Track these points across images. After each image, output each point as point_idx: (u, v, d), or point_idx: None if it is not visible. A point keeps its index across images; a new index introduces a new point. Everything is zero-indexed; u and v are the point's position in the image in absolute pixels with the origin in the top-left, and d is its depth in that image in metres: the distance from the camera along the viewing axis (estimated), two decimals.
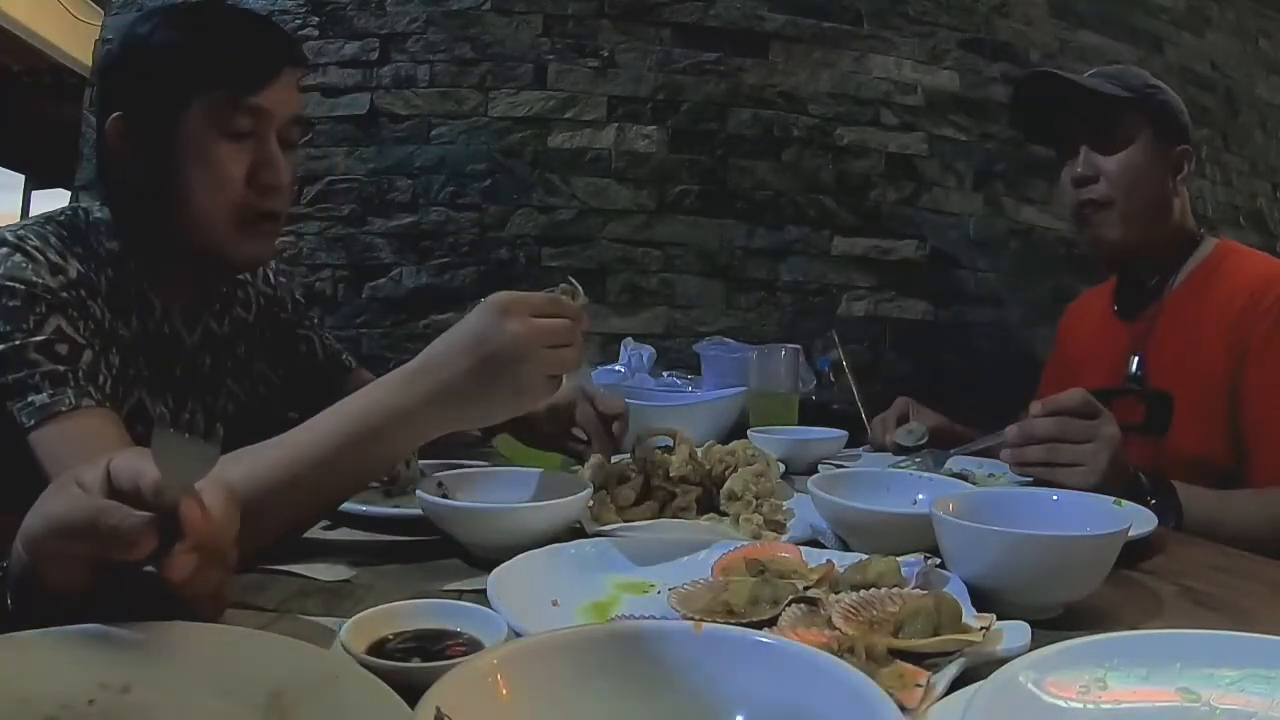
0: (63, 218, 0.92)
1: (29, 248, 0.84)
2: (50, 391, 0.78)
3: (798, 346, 1.44)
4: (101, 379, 0.83)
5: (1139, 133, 1.23)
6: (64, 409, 0.78)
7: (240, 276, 1.11)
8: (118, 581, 0.45)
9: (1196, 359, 1.17)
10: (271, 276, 1.18)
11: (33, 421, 0.77)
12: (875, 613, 0.51)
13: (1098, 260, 1.34)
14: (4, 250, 0.83)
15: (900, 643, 0.46)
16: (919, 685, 0.42)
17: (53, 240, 0.87)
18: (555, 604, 0.57)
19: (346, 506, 0.81)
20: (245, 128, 0.90)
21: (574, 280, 0.77)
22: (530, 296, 0.71)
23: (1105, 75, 1.26)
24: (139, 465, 0.46)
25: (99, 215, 0.95)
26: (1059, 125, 1.29)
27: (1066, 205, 1.29)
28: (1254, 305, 1.14)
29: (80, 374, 0.80)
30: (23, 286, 0.81)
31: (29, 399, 0.78)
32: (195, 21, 0.93)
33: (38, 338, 0.80)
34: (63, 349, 0.81)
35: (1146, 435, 1.13)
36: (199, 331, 1.02)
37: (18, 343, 0.79)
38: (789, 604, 0.52)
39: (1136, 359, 1.24)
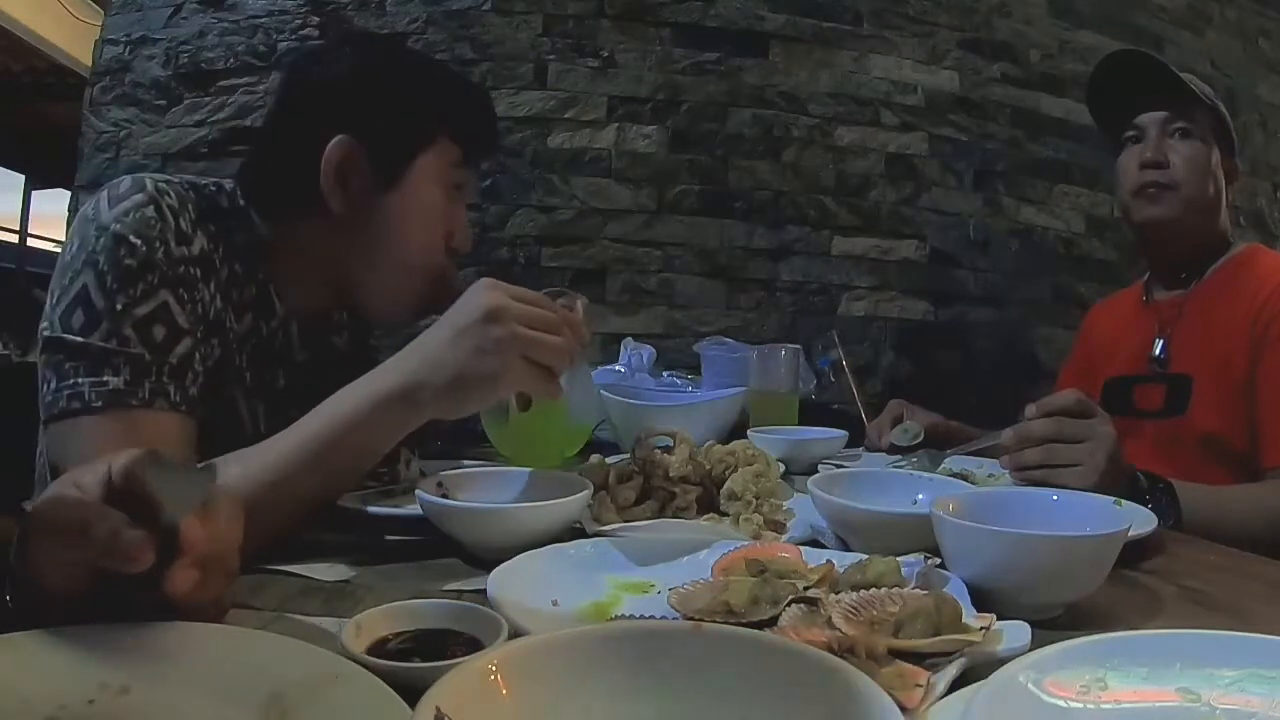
0: (208, 190, 0.88)
1: (164, 205, 0.80)
2: (128, 377, 0.74)
3: (798, 346, 1.44)
4: (190, 376, 0.79)
5: (1207, 133, 1.29)
6: (134, 402, 0.74)
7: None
8: (116, 585, 0.45)
9: (1219, 345, 1.22)
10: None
11: (99, 402, 0.73)
12: (875, 613, 0.50)
13: (1143, 242, 1.38)
14: (140, 198, 0.80)
15: (900, 643, 0.46)
16: (919, 685, 0.42)
17: (190, 207, 0.83)
18: (555, 604, 0.57)
19: (346, 506, 0.81)
20: (457, 188, 0.92)
21: (574, 293, 0.77)
22: (519, 288, 0.72)
23: (1182, 75, 1.30)
24: (136, 470, 0.45)
25: (241, 203, 0.91)
26: (1132, 108, 1.32)
27: (1127, 186, 1.33)
28: (1275, 297, 1.19)
29: (166, 370, 0.77)
30: (144, 247, 0.77)
31: (104, 377, 0.74)
32: (446, 77, 0.96)
33: (139, 310, 0.76)
34: (160, 332, 0.77)
35: (1164, 418, 1.21)
36: (310, 351, 0.98)
37: (118, 308, 0.75)
38: (789, 604, 0.52)
39: (1161, 343, 1.30)
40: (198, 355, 0.80)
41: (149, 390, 0.75)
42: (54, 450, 0.77)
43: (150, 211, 0.79)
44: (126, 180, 0.82)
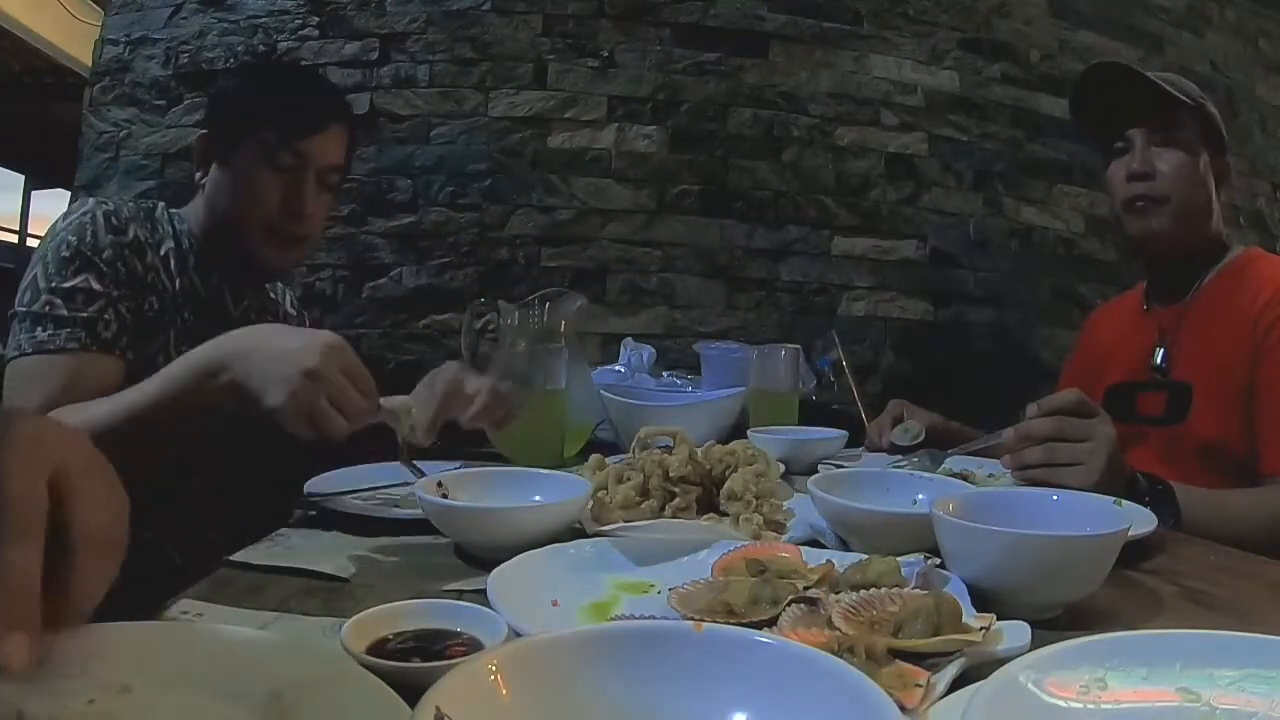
0: (146, 203, 1.18)
1: (100, 211, 1.07)
2: (52, 330, 1.00)
3: (798, 346, 1.44)
4: (102, 325, 1.02)
5: (1194, 138, 1.27)
6: (51, 348, 0.99)
7: (272, 296, 1.33)
8: None
9: (1219, 352, 1.22)
10: (294, 311, 1.38)
11: (31, 349, 0.99)
12: (875, 613, 0.50)
13: (1139, 254, 1.38)
14: (84, 209, 1.07)
15: (900, 643, 0.46)
16: (919, 685, 0.42)
17: (126, 209, 1.11)
18: (555, 604, 0.57)
19: (346, 506, 0.81)
20: (287, 164, 1.13)
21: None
22: (357, 363, 0.80)
23: (1163, 79, 1.29)
24: None
25: (174, 211, 1.19)
26: (1117, 118, 1.31)
27: (1116, 197, 1.32)
28: (1275, 302, 1.18)
29: (79, 323, 1.01)
30: (76, 242, 1.04)
31: (35, 332, 1.00)
32: (270, 75, 1.25)
33: (66, 285, 1.02)
34: (79, 297, 1.02)
35: (1166, 426, 1.21)
36: (242, 308, 1.23)
37: (51, 285, 1.02)
38: (789, 604, 0.52)
39: (1161, 351, 1.30)
40: (117, 310, 1.04)
41: (65, 338, 1.00)
42: (5, 392, 1.00)
43: (86, 218, 1.06)
44: (77, 205, 1.09)
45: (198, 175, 1.19)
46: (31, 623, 0.35)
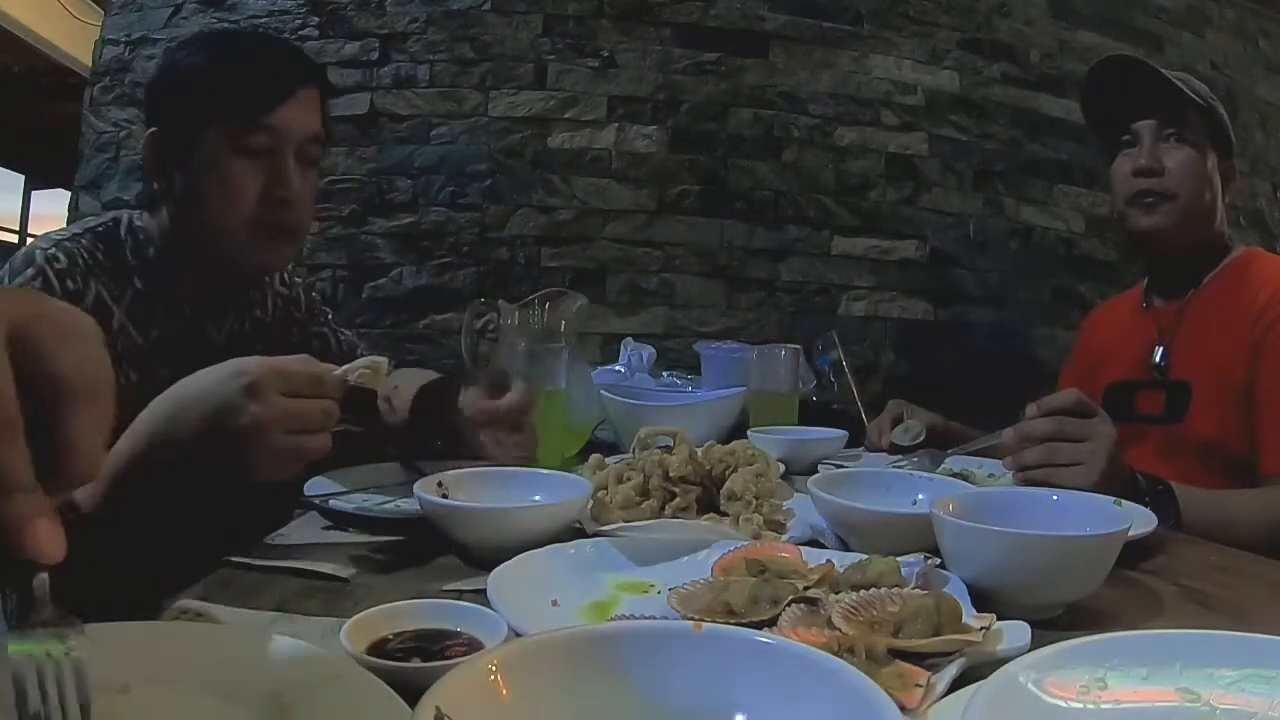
0: (101, 228, 0.99)
1: (52, 272, 0.90)
2: None
3: (798, 346, 1.44)
4: None
5: (1202, 138, 1.27)
6: None
7: (285, 291, 1.19)
8: None
9: (1218, 351, 1.21)
10: (286, 278, 1.22)
11: None
12: (875, 613, 0.50)
13: (1140, 250, 1.37)
14: (29, 272, 0.89)
15: (900, 643, 0.46)
16: (919, 685, 0.42)
17: (81, 260, 0.93)
18: (555, 604, 0.57)
19: (346, 506, 0.81)
20: (261, 145, 0.96)
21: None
22: (289, 372, 0.69)
23: (1176, 77, 1.28)
24: None
25: (139, 223, 1.01)
26: (1126, 114, 1.31)
27: (1121, 193, 1.31)
28: (1274, 301, 1.18)
29: None
30: None
31: None
32: (216, 48, 1.01)
33: None
34: None
35: (1165, 424, 1.21)
36: (225, 332, 1.07)
37: None
38: (789, 604, 0.52)
39: (1161, 350, 1.29)
40: None
41: None
42: None
43: (37, 284, 0.89)
44: (19, 257, 0.92)
45: (155, 185, 1.01)
46: (43, 511, 0.34)
